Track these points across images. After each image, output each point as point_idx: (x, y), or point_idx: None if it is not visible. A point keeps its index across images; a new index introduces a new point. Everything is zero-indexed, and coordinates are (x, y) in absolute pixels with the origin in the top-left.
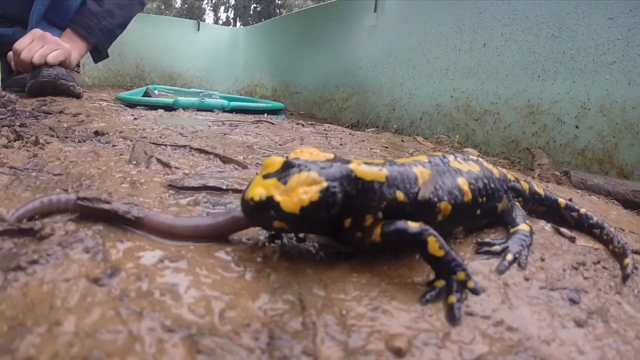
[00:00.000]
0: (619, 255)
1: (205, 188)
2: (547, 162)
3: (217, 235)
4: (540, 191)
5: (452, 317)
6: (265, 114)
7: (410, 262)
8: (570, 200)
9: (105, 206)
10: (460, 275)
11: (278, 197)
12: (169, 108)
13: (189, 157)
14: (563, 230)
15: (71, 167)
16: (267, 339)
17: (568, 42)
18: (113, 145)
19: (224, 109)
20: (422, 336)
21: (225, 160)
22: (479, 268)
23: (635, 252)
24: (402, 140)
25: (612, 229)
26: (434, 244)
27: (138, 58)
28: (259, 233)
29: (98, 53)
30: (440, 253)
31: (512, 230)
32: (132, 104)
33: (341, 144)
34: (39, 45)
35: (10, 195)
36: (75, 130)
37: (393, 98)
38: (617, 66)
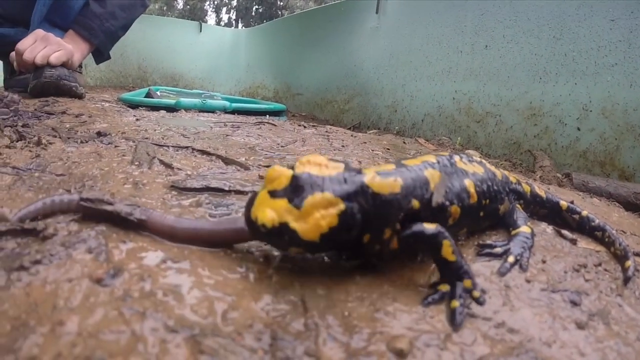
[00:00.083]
0: (620, 257)
1: (207, 189)
2: (549, 164)
3: (219, 243)
4: (542, 193)
5: (454, 322)
6: (267, 116)
7: (412, 264)
8: (572, 202)
9: (108, 207)
10: (467, 283)
11: (294, 225)
12: (171, 109)
13: (191, 158)
14: (564, 232)
15: (74, 167)
16: (270, 340)
17: (570, 44)
18: (115, 146)
19: (225, 111)
20: (423, 337)
21: (227, 161)
22: (480, 270)
23: (637, 254)
24: (404, 142)
25: (614, 232)
26: (448, 248)
27: (140, 59)
28: None
29: (100, 54)
30: (452, 258)
31: (513, 232)
32: (134, 105)
33: (343, 146)
34: (41, 46)
35: (13, 195)
36: (77, 131)
37: (395, 100)
38: (619, 68)
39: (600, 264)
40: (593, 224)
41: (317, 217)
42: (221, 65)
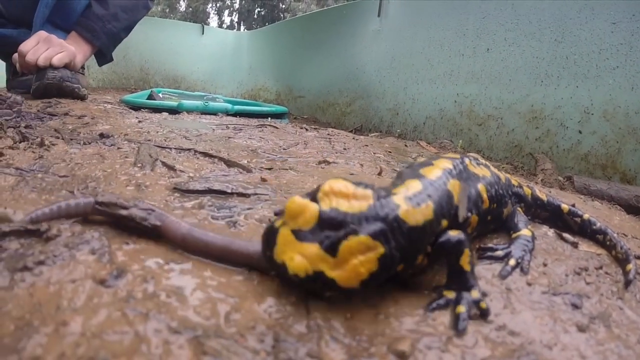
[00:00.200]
0: (621, 260)
1: (210, 191)
2: (550, 167)
3: (228, 261)
4: (543, 196)
5: (458, 327)
6: (269, 118)
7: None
8: (574, 205)
9: (123, 212)
10: (474, 293)
11: (331, 274)
12: (173, 111)
13: (193, 160)
14: (566, 235)
15: (76, 169)
16: (272, 342)
17: (571, 47)
18: (118, 148)
19: (227, 113)
20: (425, 340)
21: (229, 163)
22: (481, 273)
23: (638, 257)
24: (406, 145)
25: (616, 235)
26: (467, 257)
27: (142, 61)
28: None
29: (103, 56)
30: (468, 268)
31: (514, 235)
32: (136, 107)
33: (345, 149)
34: (44, 48)
35: (17, 196)
36: (80, 132)
37: (396, 103)
38: (620, 71)
39: (601, 267)
40: (594, 227)
41: (356, 264)
42: (223, 68)
